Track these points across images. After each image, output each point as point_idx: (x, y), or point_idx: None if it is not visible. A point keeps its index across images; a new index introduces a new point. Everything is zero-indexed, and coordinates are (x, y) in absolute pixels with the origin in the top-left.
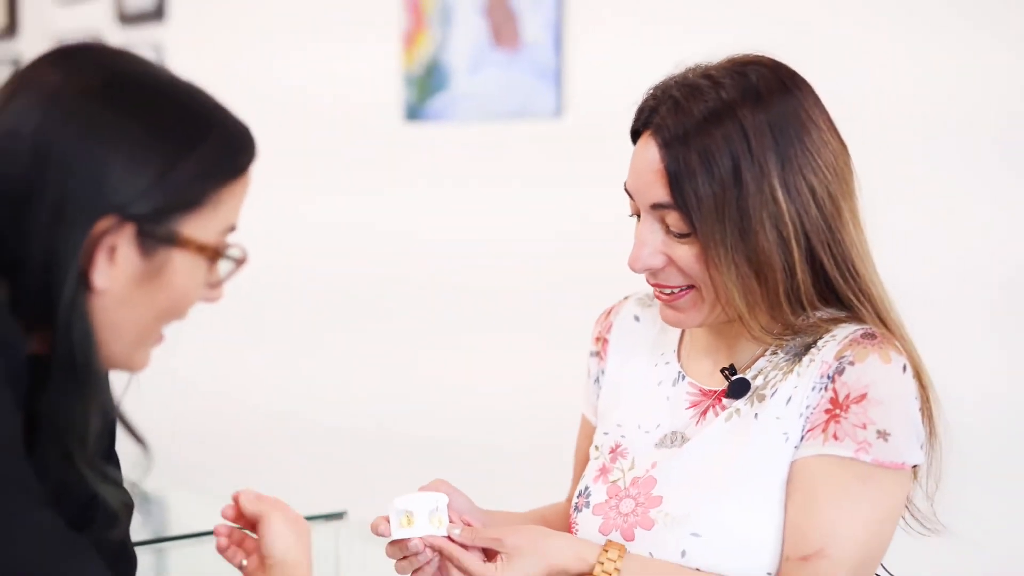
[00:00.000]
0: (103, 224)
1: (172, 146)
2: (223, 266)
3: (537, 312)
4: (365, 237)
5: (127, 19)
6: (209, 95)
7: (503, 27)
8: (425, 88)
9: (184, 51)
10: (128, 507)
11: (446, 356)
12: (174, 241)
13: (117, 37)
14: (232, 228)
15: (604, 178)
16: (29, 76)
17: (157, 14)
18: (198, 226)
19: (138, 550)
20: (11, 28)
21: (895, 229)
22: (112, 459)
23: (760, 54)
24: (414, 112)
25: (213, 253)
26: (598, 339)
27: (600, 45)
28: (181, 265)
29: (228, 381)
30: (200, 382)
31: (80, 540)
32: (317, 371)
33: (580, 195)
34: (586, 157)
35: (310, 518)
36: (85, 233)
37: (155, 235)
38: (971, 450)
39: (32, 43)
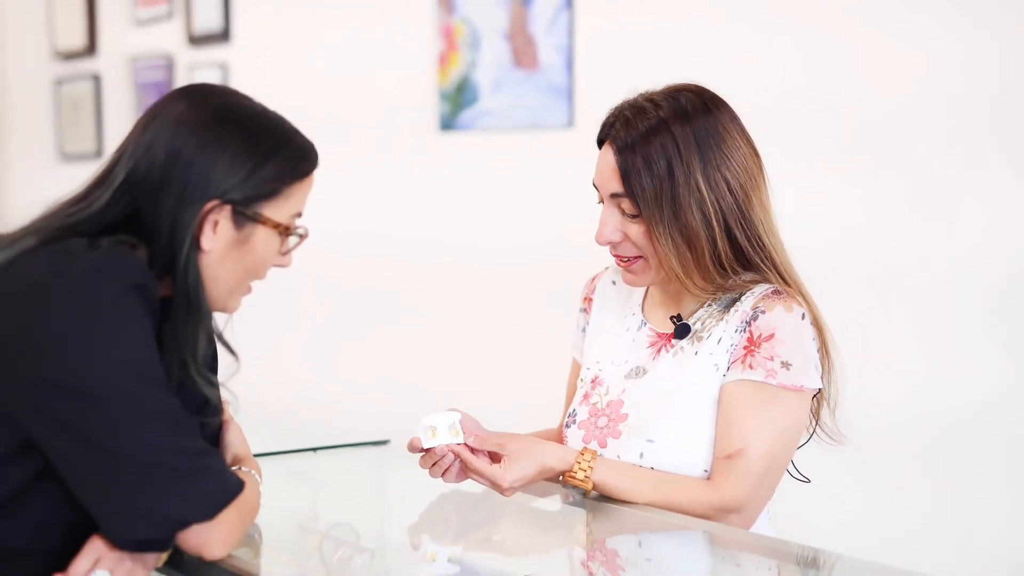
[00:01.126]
0: (210, 205)
1: (258, 155)
2: (291, 241)
3: (547, 298)
4: (406, 231)
5: (196, 40)
6: (285, 120)
7: (523, 51)
8: (456, 103)
9: (246, 69)
10: (221, 402)
11: (478, 341)
12: (257, 220)
13: (187, 57)
14: (299, 214)
15: (595, 194)
16: (162, 106)
17: (223, 36)
18: (274, 210)
19: None
20: (91, 48)
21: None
22: (214, 370)
23: (691, 83)
24: (447, 123)
25: (284, 230)
26: (585, 299)
27: (605, 67)
28: (262, 237)
29: (282, 364)
30: (264, 369)
31: (193, 419)
32: (361, 358)
33: (587, 197)
34: (592, 165)
35: (359, 444)
36: (198, 211)
37: (244, 215)
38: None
39: (109, 62)
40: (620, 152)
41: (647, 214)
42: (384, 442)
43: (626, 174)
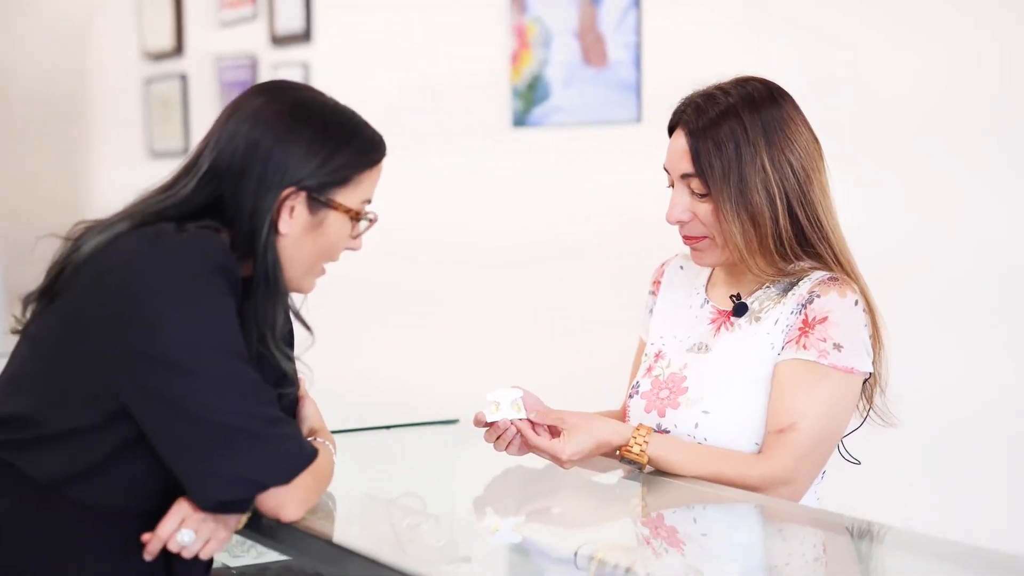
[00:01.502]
0: (287, 192)
1: (331, 145)
2: (361, 225)
3: (615, 287)
4: (481, 222)
5: (278, 40)
6: (356, 113)
7: (592, 49)
8: (529, 99)
9: (327, 68)
10: (297, 376)
11: (548, 327)
12: (330, 205)
13: (270, 56)
14: (368, 200)
15: (666, 178)
16: (242, 100)
17: (305, 36)
18: (346, 197)
19: None
20: (178, 49)
21: (896, 230)
22: (290, 346)
23: (758, 76)
24: (520, 119)
25: (355, 215)
26: (654, 282)
27: (672, 63)
28: (334, 221)
29: (362, 347)
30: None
31: (271, 390)
32: (437, 342)
33: (657, 186)
34: (660, 156)
35: (430, 423)
36: (275, 197)
37: (318, 200)
38: (973, 448)
39: (196, 62)
40: (692, 135)
41: (715, 192)
42: (453, 421)
43: (697, 155)
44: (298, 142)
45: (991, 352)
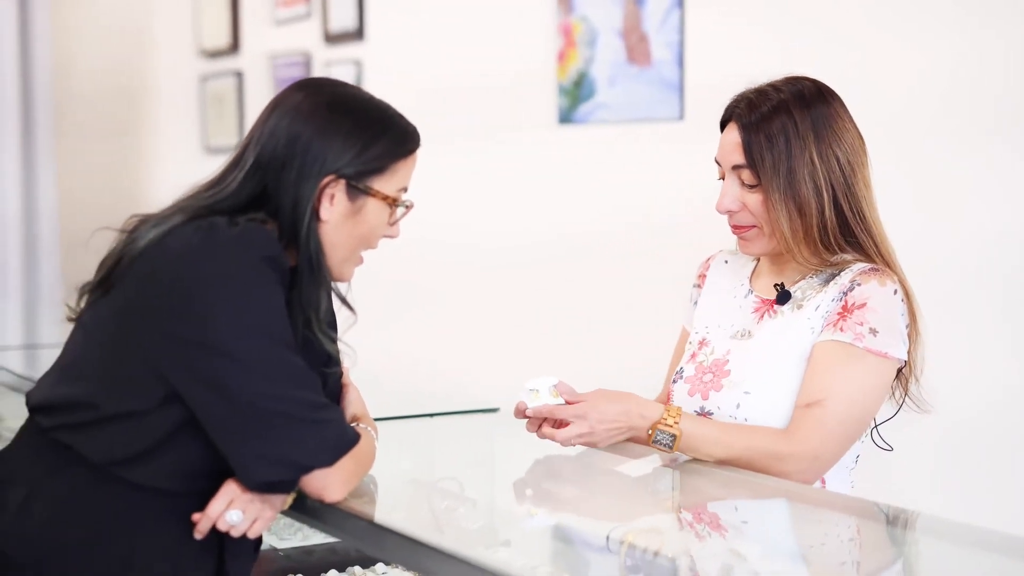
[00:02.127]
0: (326, 180)
1: (367, 135)
2: (398, 212)
3: (658, 280)
4: (529, 215)
5: (332, 38)
6: (390, 106)
7: (636, 48)
8: (574, 97)
9: (379, 65)
10: (340, 359)
11: (587, 321)
12: (368, 192)
13: (323, 54)
14: (405, 189)
15: (716, 168)
16: (282, 97)
17: (358, 34)
18: (383, 184)
19: None
20: (234, 46)
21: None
22: (333, 328)
23: (808, 75)
24: (566, 116)
25: (392, 202)
26: (700, 275)
27: (713, 62)
28: (372, 208)
29: (403, 337)
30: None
31: (316, 377)
32: (478, 333)
33: (699, 182)
34: (702, 152)
35: (470, 412)
36: (316, 185)
37: (357, 188)
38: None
39: (252, 59)
40: (744, 128)
41: (765, 183)
42: (494, 410)
43: (748, 147)
44: (336, 133)
45: (997, 351)
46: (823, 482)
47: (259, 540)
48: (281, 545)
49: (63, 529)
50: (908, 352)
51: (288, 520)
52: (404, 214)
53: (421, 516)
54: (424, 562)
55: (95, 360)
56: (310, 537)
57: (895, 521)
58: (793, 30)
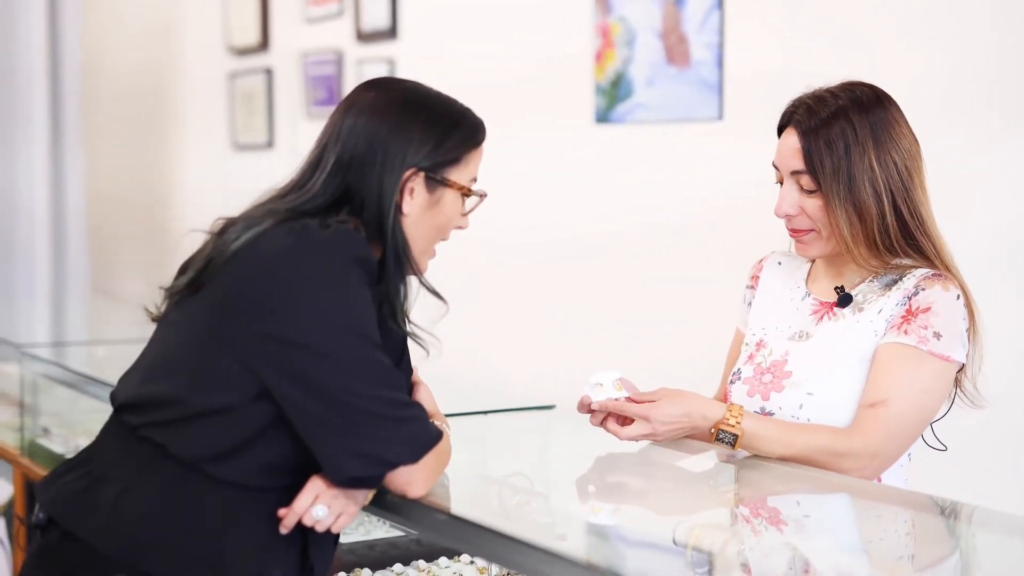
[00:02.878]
0: (407, 174)
1: (441, 128)
2: (471, 202)
3: (700, 279)
4: (567, 213)
5: (364, 37)
6: (457, 100)
7: (675, 48)
8: (612, 97)
9: (412, 64)
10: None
11: (632, 319)
12: (445, 183)
13: (356, 52)
14: (475, 179)
15: (755, 168)
16: (354, 97)
17: (391, 32)
18: (457, 175)
19: None
20: (263, 44)
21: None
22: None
23: (864, 80)
24: (603, 116)
25: (467, 191)
26: (752, 277)
27: (753, 63)
28: (449, 199)
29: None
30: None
31: (401, 376)
32: (530, 332)
33: (737, 182)
34: (741, 152)
35: (527, 409)
36: (398, 180)
37: (435, 179)
38: (996, 435)
39: (281, 57)
40: (804, 135)
41: (826, 188)
42: (550, 407)
43: (808, 153)
44: (413, 128)
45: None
46: (879, 479)
47: (338, 534)
48: (344, 540)
49: (154, 526)
50: (967, 354)
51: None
52: (477, 204)
53: (494, 510)
54: (504, 553)
55: (185, 358)
56: (372, 532)
57: (951, 515)
58: (832, 32)
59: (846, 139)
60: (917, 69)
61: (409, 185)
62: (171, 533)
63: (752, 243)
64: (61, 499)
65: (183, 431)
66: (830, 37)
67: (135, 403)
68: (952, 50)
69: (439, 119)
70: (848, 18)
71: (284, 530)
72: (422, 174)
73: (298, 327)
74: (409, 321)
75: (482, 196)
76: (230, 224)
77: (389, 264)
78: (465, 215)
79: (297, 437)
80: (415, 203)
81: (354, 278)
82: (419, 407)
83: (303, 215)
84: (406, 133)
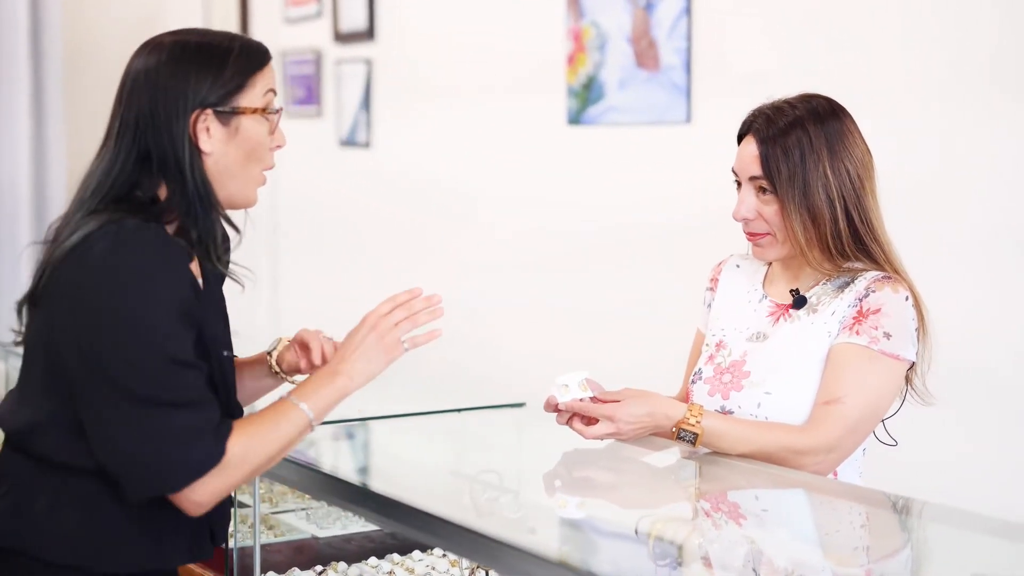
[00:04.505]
0: (194, 116)
1: (216, 62)
2: (273, 118)
3: (668, 279)
4: (539, 214)
5: (342, 37)
6: (229, 32)
7: (645, 53)
8: (584, 99)
9: (390, 64)
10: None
11: (601, 320)
12: (237, 111)
13: (334, 52)
14: (272, 91)
15: (722, 170)
16: (128, 67)
17: (368, 34)
18: (249, 99)
19: None
20: None
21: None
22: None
23: (820, 93)
24: (575, 118)
25: (263, 111)
26: (712, 279)
27: (721, 68)
28: (247, 124)
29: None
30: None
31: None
32: (503, 331)
33: (705, 184)
34: (708, 155)
35: (498, 406)
36: (186, 123)
37: (225, 112)
38: (1008, 399)
39: None
40: (762, 142)
41: (781, 193)
42: (520, 404)
43: (766, 160)
44: (187, 72)
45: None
46: (835, 473)
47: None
48: (321, 534)
49: (54, 520)
50: (916, 353)
51: (328, 510)
52: (278, 117)
53: (464, 507)
54: (475, 548)
55: (34, 377)
56: (348, 526)
57: (903, 510)
58: (799, 38)
59: (802, 148)
60: (883, 70)
61: (202, 125)
62: (48, 528)
63: (717, 245)
64: None
65: (61, 445)
66: (796, 42)
67: (15, 431)
68: (917, 48)
69: (211, 55)
70: (814, 22)
71: None
72: (210, 111)
73: (93, 340)
74: (223, 257)
75: (278, 110)
76: (62, 227)
77: (195, 207)
78: (273, 134)
79: None
80: (214, 140)
81: (150, 289)
82: (192, 414)
83: (111, 199)
84: (182, 78)
